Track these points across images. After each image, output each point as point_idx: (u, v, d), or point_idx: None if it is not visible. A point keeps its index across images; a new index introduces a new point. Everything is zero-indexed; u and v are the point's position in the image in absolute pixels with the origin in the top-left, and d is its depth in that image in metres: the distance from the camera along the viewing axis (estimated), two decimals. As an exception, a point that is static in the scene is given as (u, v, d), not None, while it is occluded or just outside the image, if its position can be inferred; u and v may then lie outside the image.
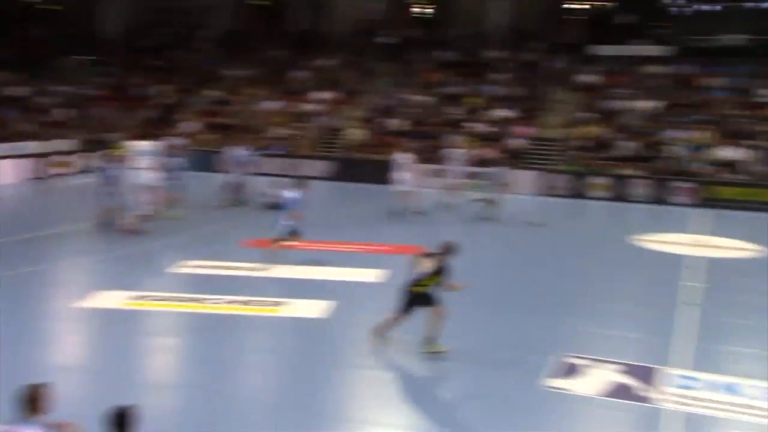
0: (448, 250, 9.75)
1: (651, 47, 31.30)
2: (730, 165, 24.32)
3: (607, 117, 27.55)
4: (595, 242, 18.20)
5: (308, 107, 31.19)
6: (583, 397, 8.83)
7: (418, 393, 9.11)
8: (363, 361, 9.69)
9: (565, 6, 36.21)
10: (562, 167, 25.46)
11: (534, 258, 16.35)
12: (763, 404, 8.62)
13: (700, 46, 34.71)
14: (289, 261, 14.01)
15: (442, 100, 30.07)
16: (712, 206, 22.76)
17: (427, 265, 9.66)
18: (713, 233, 19.09)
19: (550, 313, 12.02)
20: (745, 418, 8.34)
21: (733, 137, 25.40)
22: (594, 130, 26.89)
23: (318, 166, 27.08)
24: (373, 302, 11.50)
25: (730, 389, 9.00)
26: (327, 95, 31.61)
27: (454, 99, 30.00)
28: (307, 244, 14.58)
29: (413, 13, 38.14)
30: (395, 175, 19.79)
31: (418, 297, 9.67)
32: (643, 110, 27.61)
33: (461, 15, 34.94)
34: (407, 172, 19.64)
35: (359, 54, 33.79)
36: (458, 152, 21.69)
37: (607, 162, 25.41)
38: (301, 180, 14.53)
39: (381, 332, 9.93)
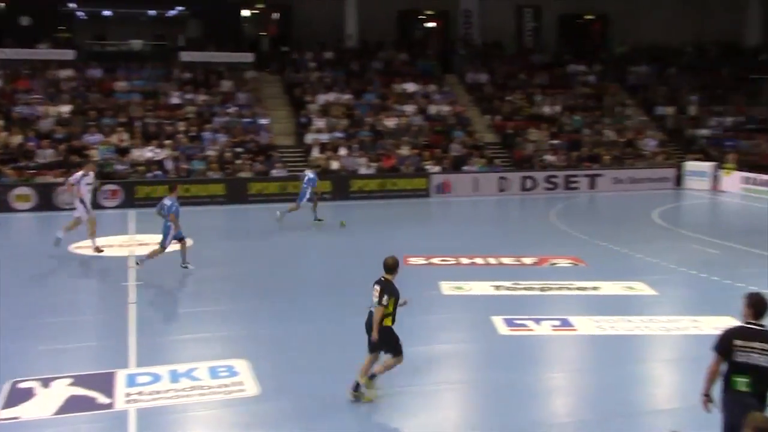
0: None
1: (56, 51, 30.62)
2: (151, 164, 25.39)
3: (20, 123, 26.11)
4: (27, 257, 17.24)
5: None
6: (36, 420, 8.47)
7: None
8: None
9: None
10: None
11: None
12: (212, 382, 9.45)
13: (105, 51, 35.49)
14: None
15: None
16: (140, 206, 23.47)
17: None
18: (143, 231, 19.71)
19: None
20: (202, 399, 9.00)
21: (151, 138, 26.54)
22: (7, 138, 25.26)
23: None
24: None
25: (183, 375, 9.63)
26: None
27: None
28: None
29: None
30: None
31: None
32: (57, 115, 26.93)
33: None
34: None
35: None
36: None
37: (29, 171, 24.18)
38: None
39: None
